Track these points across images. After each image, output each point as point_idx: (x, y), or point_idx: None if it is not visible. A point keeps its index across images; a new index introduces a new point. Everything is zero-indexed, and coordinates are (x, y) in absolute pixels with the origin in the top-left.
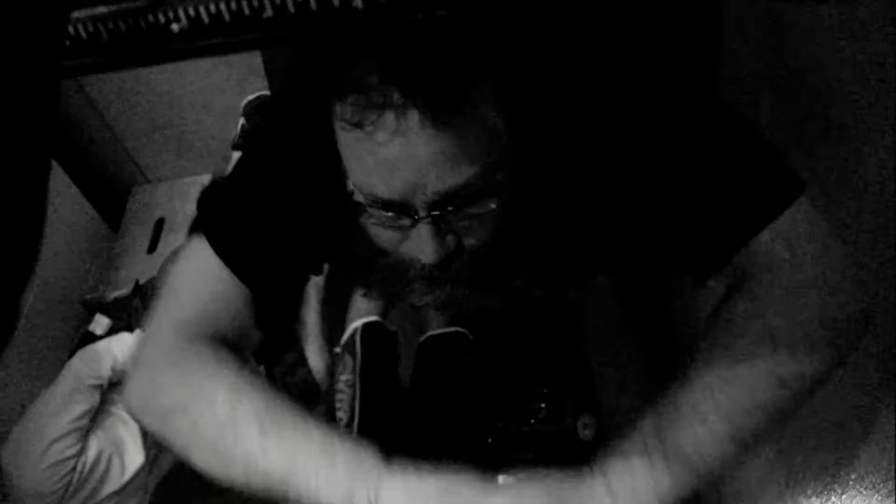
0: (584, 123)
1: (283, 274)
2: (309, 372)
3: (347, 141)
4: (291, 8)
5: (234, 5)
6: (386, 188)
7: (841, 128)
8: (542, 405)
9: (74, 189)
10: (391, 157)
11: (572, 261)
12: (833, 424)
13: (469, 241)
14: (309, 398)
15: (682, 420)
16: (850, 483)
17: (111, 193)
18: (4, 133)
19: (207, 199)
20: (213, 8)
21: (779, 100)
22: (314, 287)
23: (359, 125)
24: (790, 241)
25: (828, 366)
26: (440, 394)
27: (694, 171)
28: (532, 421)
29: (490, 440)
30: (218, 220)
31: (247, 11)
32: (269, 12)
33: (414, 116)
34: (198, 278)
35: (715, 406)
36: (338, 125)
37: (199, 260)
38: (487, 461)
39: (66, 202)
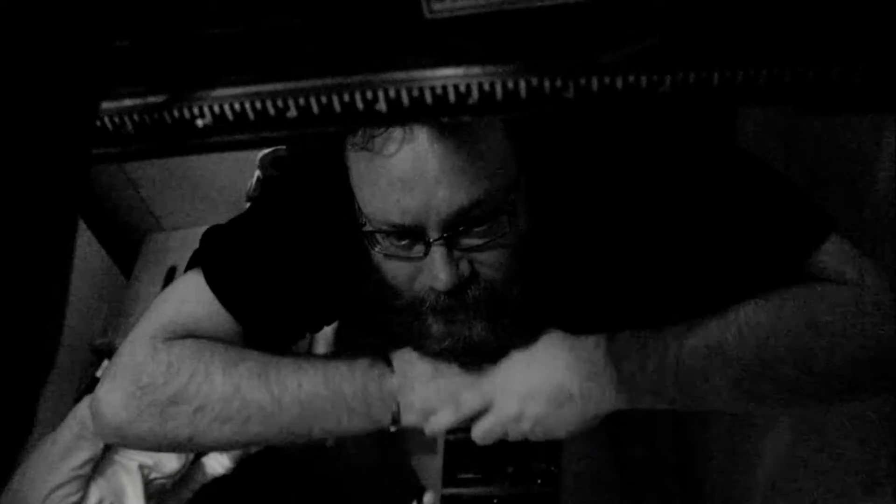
0: (597, 161)
1: (277, 322)
2: None
3: (359, 166)
4: (315, 109)
5: (258, 105)
6: (399, 211)
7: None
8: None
9: (89, 234)
10: (401, 173)
11: (596, 306)
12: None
13: (484, 271)
14: (316, 447)
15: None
16: None
17: (125, 240)
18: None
19: (212, 235)
20: (237, 106)
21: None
22: (323, 337)
23: (368, 145)
24: (835, 267)
25: (857, 380)
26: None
27: (726, 210)
28: (539, 481)
29: (496, 501)
30: (219, 256)
31: (271, 111)
32: (293, 112)
33: (420, 129)
34: (184, 297)
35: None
36: (350, 155)
37: (189, 286)
38: None
39: (79, 247)
